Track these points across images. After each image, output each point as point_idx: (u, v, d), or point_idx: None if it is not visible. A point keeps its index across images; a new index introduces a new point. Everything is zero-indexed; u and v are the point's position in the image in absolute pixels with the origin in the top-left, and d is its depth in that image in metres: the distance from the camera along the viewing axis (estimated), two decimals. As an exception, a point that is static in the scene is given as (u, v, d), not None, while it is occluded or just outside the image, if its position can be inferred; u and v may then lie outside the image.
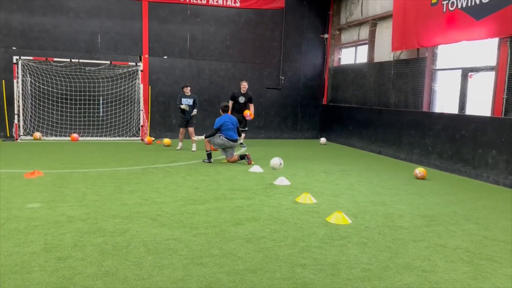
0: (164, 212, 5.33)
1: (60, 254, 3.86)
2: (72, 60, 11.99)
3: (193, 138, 10.73)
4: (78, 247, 4.05)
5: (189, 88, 10.90)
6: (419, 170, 8.23)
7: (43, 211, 5.19)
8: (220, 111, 9.46)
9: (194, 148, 10.90)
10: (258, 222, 5.07)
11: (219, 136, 9.12)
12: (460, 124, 8.82)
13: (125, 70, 12.63)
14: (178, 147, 11.07)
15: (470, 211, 5.95)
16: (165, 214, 5.22)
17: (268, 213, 5.44)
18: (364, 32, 12.94)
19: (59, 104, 12.29)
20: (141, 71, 12.63)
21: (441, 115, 9.46)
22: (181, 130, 11.07)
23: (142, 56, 12.84)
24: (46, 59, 11.86)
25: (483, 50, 8.76)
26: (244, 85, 11.51)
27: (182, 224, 4.86)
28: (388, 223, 5.22)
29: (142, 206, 5.54)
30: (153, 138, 12.49)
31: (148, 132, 12.94)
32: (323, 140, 13.67)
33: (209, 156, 9.21)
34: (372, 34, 12.43)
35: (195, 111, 10.83)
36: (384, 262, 3.97)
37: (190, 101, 10.81)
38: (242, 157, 9.27)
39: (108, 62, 12.28)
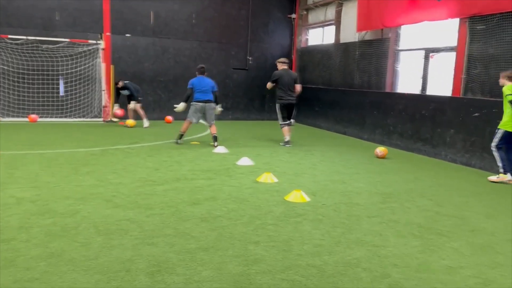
0: (120, 193, 5.20)
1: (3, 236, 3.70)
2: (29, 37, 11.44)
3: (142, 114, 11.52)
4: (24, 228, 3.89)
5: (120, 82, 11.24)
6: (380, 150, 8.36)
7: (-10, 193, 4.97)
8: (196, 72, 8.89)
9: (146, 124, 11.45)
10: (217, 201, 5.02)
11: (191, 105, 8.71)
12: (420, 104, 8.99)
13: (85, 48, 12.16)
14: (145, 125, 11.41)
15: (425, 188, 6.10)
16: (120, 195, 5.10)
17: (227, 193, 5.40)
18: (331, 12, 12.90)
19: (16, 84, 11.75)
20: (102, 49, 12.20)
21: (402, 95, 9.60)
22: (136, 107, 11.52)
23: (103, 34, 12.39)
24: (0, 36, 11.27)
25: (445, 30, 8.89)
26: (280, 64, 9.29)
27: (137, 205, 4.75)
28: (345, 200, 5.28)
29: (97, 188, 5.39)
30: (117, 119, 12.18)
31: (110, 113, 12.57)
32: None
33: (179, 136, 8.93)
34: (338, 15, 12.41)
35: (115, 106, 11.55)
36: (336, 237, 4.01)
37: (126, 92, 11.27)
38: (214, 138, 8.83)
39: (67, 39, 11.79)
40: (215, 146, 8.66)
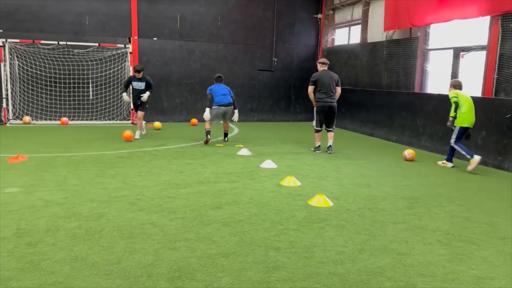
0: (144, 196, 5.27)
1: (31, 239, 3.80)
2: (60, 42, 11.79)
3: (141, 124, 9.80)
4: (50, 232, 3.99)
5: (141, 72, 9.53)
6: (408, 152, 8.16)
7: (21, 195, 5.12)
8: (214, 81, 9.45)
9: (137, 136, 9.66)
10: (239, 205, 5.01)
11: (212, 108, 9.07)
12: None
13: (114, 52, 12.43)
14: (137, 136, 9.70)
15: (455, 193, 5.90)
16: (144, 198, 5.16)
17: (250, 197, 5.38)
18: (358, 11, 12.71)
19: (48, 88, 12.14)
20: (130, 53, 12.44)
21: (432, 96, 9.34)
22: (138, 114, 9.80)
23: (131, 38, 12.62)
24: (33, 41, 11.66)
25: (475, 29, 8.59)
26: (320, 65, 8.84)
27: (160, 208, 4.80)
28: (370, 205, 5.17)
29: (122, 190, 5.48)
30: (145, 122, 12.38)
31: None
32: (316, 122, 13.51)
33: (207, 133, 9.17)
34: (365, 14, 12.21)
35: (146, 94, 9.60)
36: (360, 244, 3.92)
37: (142, 85, 9.62)
38: (225, 134, 9.74)
39: (97, 44, 12.07)
40: (225, 141, 9.60)
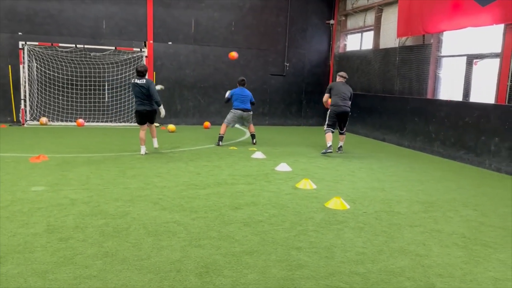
0: (165, 196, 5.42)
1: (61, 235, 3.97)
2: (77, 45, 12.04)
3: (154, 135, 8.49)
4: (79, 228, 4.15)
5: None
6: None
7: (47, 194, 5.30)
8: (237, 84, 9.89)
9: (156, 145, 8.52)
10: (257, 206, 5.14)
11: (230, 112, 9.61)
12: (463, 111, 8.79)
13: (130, 55, 12.66)
14: (142, 152, 8.16)
15: (469, 198, 5.98)
16: (166, 198, 5.31)
17: (267, 198, 5.51)
18: (370, 18, 12.83)
19: (65, 90, 12.39)
20: (146, 57, 12.65)
21: (445, 102, 9.42)
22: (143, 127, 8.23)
23: (146, 42, 12.85)
24: (52, 44, 11.92)
25: (489, 36, 8.67)
26: (338, 77, 9.27)
27: (182, 208, 4.95)
28: (386, 208, 5.28)
29: (144, 190, 5.64)
30: (157, 124, 12.56)
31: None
32: (327, 127, 13.64)
33: (220, 139, 9.62)
34: (378, 20, 12.32)
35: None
36: (378, 246, 4.03)
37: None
38: (253, 136, 10.01)
39: (113, 47, 12.30)
40: (254, 144, 9.81)
